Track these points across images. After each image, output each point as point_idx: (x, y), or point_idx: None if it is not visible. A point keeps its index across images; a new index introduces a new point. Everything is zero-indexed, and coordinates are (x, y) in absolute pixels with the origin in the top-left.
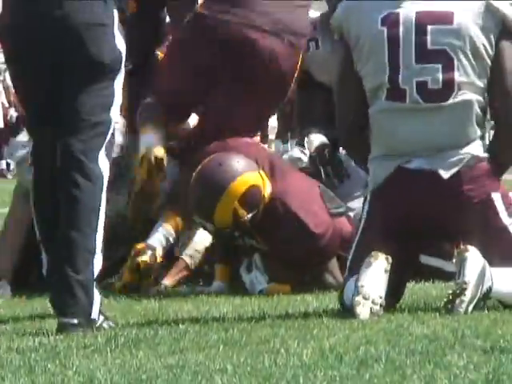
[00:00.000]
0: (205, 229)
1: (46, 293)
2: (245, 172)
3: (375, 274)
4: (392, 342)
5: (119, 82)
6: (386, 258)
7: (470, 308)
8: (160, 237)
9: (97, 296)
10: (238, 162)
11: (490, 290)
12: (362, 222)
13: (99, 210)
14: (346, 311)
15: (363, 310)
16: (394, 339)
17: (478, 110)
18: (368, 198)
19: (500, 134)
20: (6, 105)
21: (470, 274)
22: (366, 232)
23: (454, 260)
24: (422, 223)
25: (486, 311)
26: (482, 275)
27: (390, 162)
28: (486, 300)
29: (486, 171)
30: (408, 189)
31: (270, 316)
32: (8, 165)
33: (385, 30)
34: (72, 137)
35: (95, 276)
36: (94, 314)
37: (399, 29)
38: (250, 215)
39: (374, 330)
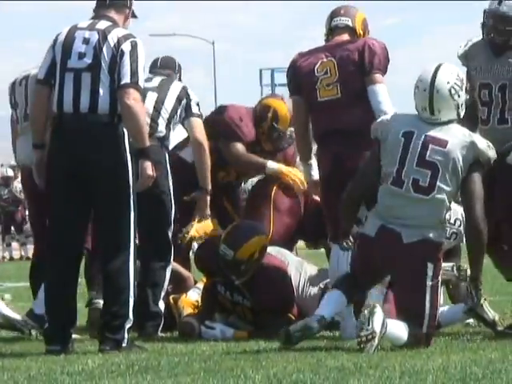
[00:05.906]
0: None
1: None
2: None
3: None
4: (314, 371)
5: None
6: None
7: (376, 349)
8: None
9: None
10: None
11: (385, 333)
12: (356, 247)
13: None
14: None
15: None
16: (315, 369)
17: (444, 209)
18: (358, 235)
19: (466, 229)
20: None
21: (377, 325)
22: (356, 255)
23: (365, 312)
24: (380, 261)
25: (377, 349)
26: (383, 325)
27: (378, 220)
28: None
29: (430, 248)
30: (381, 239)
31: (234, 352)
32: None
33: (402, 139)
34: None
35: None
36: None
37: (411, 141)
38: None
39: (302, 363)
